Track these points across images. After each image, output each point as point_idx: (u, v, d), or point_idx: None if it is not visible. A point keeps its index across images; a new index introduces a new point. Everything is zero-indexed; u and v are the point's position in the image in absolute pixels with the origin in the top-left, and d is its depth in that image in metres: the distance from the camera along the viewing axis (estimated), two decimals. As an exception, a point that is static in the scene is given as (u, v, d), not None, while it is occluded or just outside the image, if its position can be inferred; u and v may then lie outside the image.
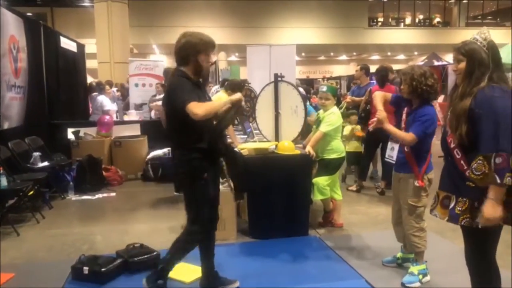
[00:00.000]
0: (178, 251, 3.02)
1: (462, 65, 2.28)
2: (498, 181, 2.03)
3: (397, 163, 3.31)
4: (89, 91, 8.87)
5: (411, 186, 3.23)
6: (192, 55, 2.85)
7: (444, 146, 2.36)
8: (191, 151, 2.84)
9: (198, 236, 2.99)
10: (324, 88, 4.44)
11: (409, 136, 3.14)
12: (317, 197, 4.47)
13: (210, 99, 3.18)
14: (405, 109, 3.33)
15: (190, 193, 2.95)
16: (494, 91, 2.13)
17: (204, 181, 2.87)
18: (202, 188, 2.89)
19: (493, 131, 2.06)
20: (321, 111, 4.53)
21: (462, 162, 2.23)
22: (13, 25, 5.82)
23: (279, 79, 4.38)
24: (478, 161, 2.11)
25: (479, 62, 2.21)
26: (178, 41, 2.89)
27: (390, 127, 3.24)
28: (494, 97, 2.11)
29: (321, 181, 4.40)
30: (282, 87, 4.40)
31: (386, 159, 3.45)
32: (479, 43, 2.25)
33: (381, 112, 3.23)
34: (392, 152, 3.34)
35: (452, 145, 2.27)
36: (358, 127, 6.28)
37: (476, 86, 2.19)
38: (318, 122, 4.44)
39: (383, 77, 5.78)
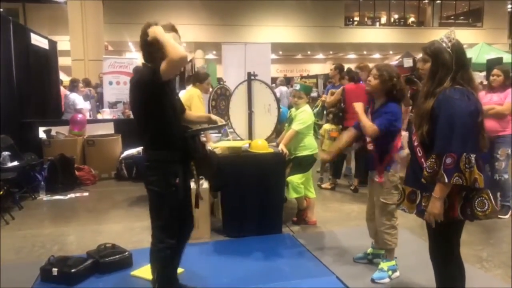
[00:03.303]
0: (160, 265, 2.83)
1: (428, 65, 2.33)
2: (446, 180, 2.12)
3: (369, 160, 3.37)
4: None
5: (377, 183, 3.29)
6: (157, 50, 2.53)
7: (410, 144, 2.42)
8: (162, 153, 2.69)
9: (172, 241, 2.80)
10: (298, 87, 4.47)
11: (373, 128, 3.16)
12: (291, 195, 4.50)
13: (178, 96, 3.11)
14: (369, 110, 3.37)
15: (159, 199, 2.73)
16: (454, 93, 2.18)
17: (175, 187, 2.71)
18: (173, 194, 2.71)
19: (447, 131, 2.14)
20: (293, 109, 4.56)
21: (422, 160, 2.30)
22: (-20, 21, 5.67)
23: (252, 77, 4.39)
24: (431, 159, 2.19)
25: (442, 63, 2.26)
26: (142, 36, 2.60)
27: (361, 114, 3.27)
28: (454, 99, 2.17)
29: (295, 179, 4.44)
30: (256, 85, 4.41)
31: None
32: (444, 44, 2.28)
33: (357, 104, 3.32)
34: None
35: (415, 143, 2.34)
36: (336, 127, 6.29)
37: (439, 87, 2.24)
38: (290, 120, 4.47)
39: (357, 74, 5.86)
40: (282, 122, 4.69)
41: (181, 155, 2.74)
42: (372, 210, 3.47)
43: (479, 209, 2.18)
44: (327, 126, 6.37)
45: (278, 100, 4.36)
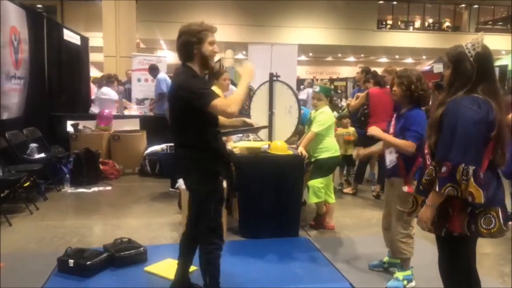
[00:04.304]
0: (212, 267, 2.80)
1: (448, 72, 2.22)
2: (437, 189, 2.04)
3: (389, 168, 3.27)
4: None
5: (400, 192, 3.19)
6: (195, 48, 2.65)
7: (421, 151, 2.34)
8: (203, 151, 2.67)
9: (220, 242, 2.80)
10: (317, 89, 4.45)
11: (409, 145, 3.05)
12: (311, 200, 4.44)
13: None
14: (394, 115, 3.30)
15: (202, 199, 2.73)
16: (464, 100, 2.06)
17: (219, 185, 2.74)
18: (217, 193, 2.74)
19: (448, 139, 2.04)
20: (313, 111, 4.52)
21: None
22: (15, 16, 5.84)
23: (274, 78, 4.37)
24: (431, 167, 2.12)
25: (461, 72, 2.12)
26: (178, 38, 2.71)
27: (387, 137, 3.19)
28: (461, 105, 2.05)
29: (316, 183, 4.38)
30: (277, 87, 4.38)
31: (387, 166, 3.37)
32: (468, 52, 2.13)
33: (372, 129, 3.24)
34: (392, 156, 3.26)
35: (426, 151, 2.24)
36: (350, 130, 6.24)
37: (453, 97, 2.12)
38: (310, 122, 4.43)
39: (383, 78, 5.75)
40: (304, 124, 4.65)
41: (218, 154, 2.74)
42: (388, 219, 3.38)
43: (484, 227, 2.07)
44: (340, 131, 6.30)
45: (299, 102, 4.32)
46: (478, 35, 2.20)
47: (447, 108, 2.10)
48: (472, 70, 2.09)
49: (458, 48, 2.19)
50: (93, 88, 9.73)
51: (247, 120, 3.03)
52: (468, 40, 2.19)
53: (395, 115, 3.32)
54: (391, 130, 3.27)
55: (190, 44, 2.64)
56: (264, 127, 3.16)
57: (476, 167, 1.99)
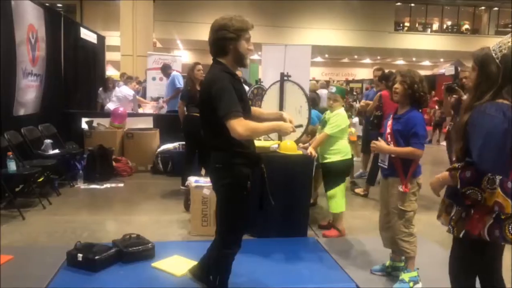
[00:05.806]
0: (224, 271, 2.77)
1: (474, 75, 2.16)
2: (459, 186, 2.02)
3: (386, 168, 3.27)
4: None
5: (398, 191, 3.18)
6: (231, 44, 2.52)
7: (449, 154, 2.32)
8: (234, 155, 2.55)
9: (237, 248, 2.73)
10: (333, 89, 4.43)
11: (418, 152, 3.07)
12: (333, 209, 4.39)
13: (246, 93, 2.86)
14: (391, 115, 3.30)
15: (229, 202, 2.62)
16: (489, 108, 2.00)
17: (247, 192, 2.59)
18: (244, 198, 2.61)
19: (475, 148, 1.99)
20: (328, 112, 4.49)
21: None
22: (32, 15, 5.95)
23: (285, 78, 4.37)
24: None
25: (487, 75, 2.07)
26: (214, 31, 2.54)
27: (392, 149, 3.18)
28: (486, 114, 1.99)
29: (339, 192, 4.33)
30: (288, 86, 4.38)
31: (379, 164, 3.39)
32: (494, 54, 2.08)
33: (375, 148, 3.26)
34: (385, 156, 3.29)
35: (451, 156, 2.23)
36: (353, 130, 6.23)
37: (479, 101, 2.06)
38: (324, 122, 4.40)
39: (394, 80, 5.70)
40: (313, 124, 4.63)
41: (252, 157, 2.65)
42: (387, 219, 3.37)
43: None
44: None
45: (309, 102, 4.31)
46: (506, 36, 2.15)
47: (472, 116, 2.05)
48: (498, 72, 2.05)
49: (484, 50, 2.14)
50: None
51: (284, 114, 2.80)
52: (493, 43, 2.14)
53: (391, 116, 3.32)
54: (388, 130, 3.27)
55: (227, 39, 2.50)
56: (298, 126, 2.96)
57: (503, 176, 1.96)
